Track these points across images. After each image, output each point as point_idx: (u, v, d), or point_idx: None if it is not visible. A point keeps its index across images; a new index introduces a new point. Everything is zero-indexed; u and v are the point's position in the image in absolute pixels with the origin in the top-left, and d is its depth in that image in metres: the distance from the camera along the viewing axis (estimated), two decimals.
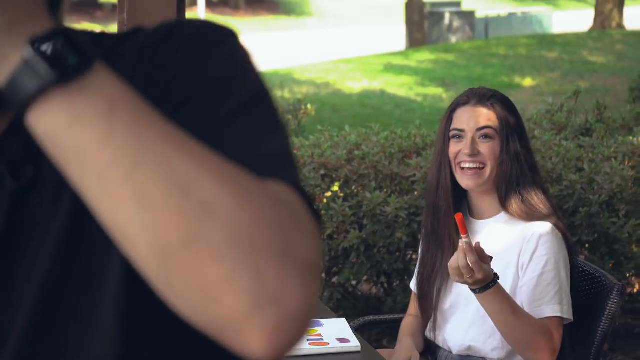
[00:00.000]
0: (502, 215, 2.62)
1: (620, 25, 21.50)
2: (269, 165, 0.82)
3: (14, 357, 0.90)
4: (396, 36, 25.72)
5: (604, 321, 2.63)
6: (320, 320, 2.58)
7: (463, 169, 2.58)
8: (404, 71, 16.47)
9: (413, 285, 2.86)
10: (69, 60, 0.73)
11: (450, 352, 2.69)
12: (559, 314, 2.49)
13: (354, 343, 2.43)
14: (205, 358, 0.89)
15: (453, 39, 23.64)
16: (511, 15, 27.43)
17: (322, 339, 2.45)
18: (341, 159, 4.19)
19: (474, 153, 2.56)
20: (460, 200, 2.69)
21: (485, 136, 2.57)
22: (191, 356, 0.91)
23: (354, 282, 4.22)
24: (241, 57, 0.91)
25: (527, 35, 21.82)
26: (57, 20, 0.82)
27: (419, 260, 2.82)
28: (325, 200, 4.12)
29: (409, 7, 22.60)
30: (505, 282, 2.52)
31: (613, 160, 4.30)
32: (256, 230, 0.72)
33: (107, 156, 0.72)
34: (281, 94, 14.03)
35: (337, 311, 3.98)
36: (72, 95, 0.73)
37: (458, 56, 18.27)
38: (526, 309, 2.50)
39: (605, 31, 20.62)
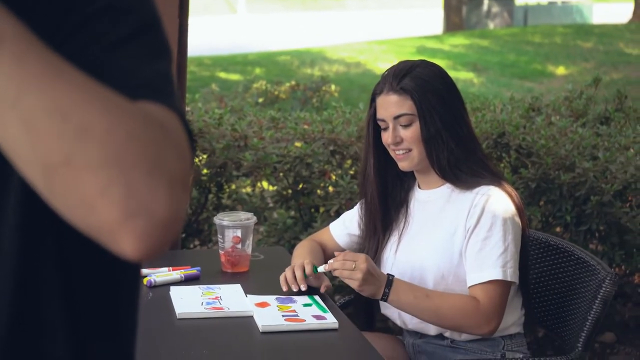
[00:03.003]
0: (448, 185, 2.62)
1: None
2: (148, 88, 0.93)
3: None
4: (434, 20, 25.61)
5: (595, 308, 2.60)
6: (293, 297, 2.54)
7: (396, 153, 2.60)
8: (436, 54, 16.35)
9: (335, 225, 2.87)
10: None
11: (408, 330, 2.72)
12: (500, 277, 2.47)
13: (331, 320, 2.37)
14: (94, 265, 1.02)
15: (491, 25, 23.48)
16: (551, 4, 27.22)
17: (297, 315, 2.40)
18: (352, 136, 4.13)
19: (397, 141, 2.57)
20: (409, 174, 2.70)
21: (403, 123, 2.56)
22: (81, 264, 1.02)
23: None
24: None
25: (564, 25, 21.61)
26: None
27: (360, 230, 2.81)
28: (334, 177, 4.07)
29: None
30: (454, 249, 2.54)
31: (630, 150, 4.20)
32: (127, 148, 0.81)
33: None
34: (311, 72, 13.98)
35: (342, 289, 3.93)
36: None
37: (493, 42, 18.12)
38: (469, 273, 2.50)
39: None
